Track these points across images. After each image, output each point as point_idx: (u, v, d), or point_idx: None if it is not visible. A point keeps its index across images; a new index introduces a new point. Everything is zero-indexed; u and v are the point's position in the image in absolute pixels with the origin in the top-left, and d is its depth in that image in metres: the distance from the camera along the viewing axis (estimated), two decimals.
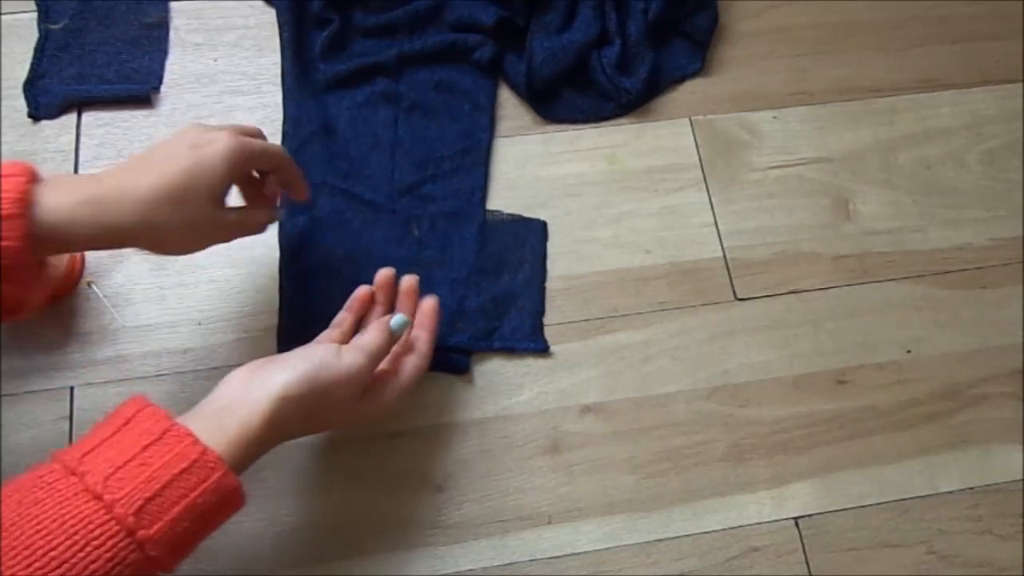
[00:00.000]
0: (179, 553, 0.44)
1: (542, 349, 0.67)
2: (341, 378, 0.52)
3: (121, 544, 0.41)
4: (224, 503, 0.46)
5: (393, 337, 0.57)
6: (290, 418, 0.50)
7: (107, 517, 0.41)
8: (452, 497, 0.63)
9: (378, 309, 0.61)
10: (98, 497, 0.42)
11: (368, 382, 0.55)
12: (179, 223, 0.52)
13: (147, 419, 0.46)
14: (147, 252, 0.56)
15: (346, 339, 0.58)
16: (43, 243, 0.48)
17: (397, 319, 0.57)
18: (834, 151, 0.75)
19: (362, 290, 0.61)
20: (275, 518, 0.61)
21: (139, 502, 0.42)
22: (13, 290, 0.49)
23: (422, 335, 0.60)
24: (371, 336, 0.55)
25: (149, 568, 0.43)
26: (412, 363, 0.58)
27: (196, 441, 0.45)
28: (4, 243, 0.46)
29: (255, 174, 0.60)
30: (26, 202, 0.47)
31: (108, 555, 0.41)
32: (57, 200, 0.48)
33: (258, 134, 0.58)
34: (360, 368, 0.53)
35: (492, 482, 0.63)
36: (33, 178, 0.48)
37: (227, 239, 0.57)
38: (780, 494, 0.64)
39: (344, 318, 0.60)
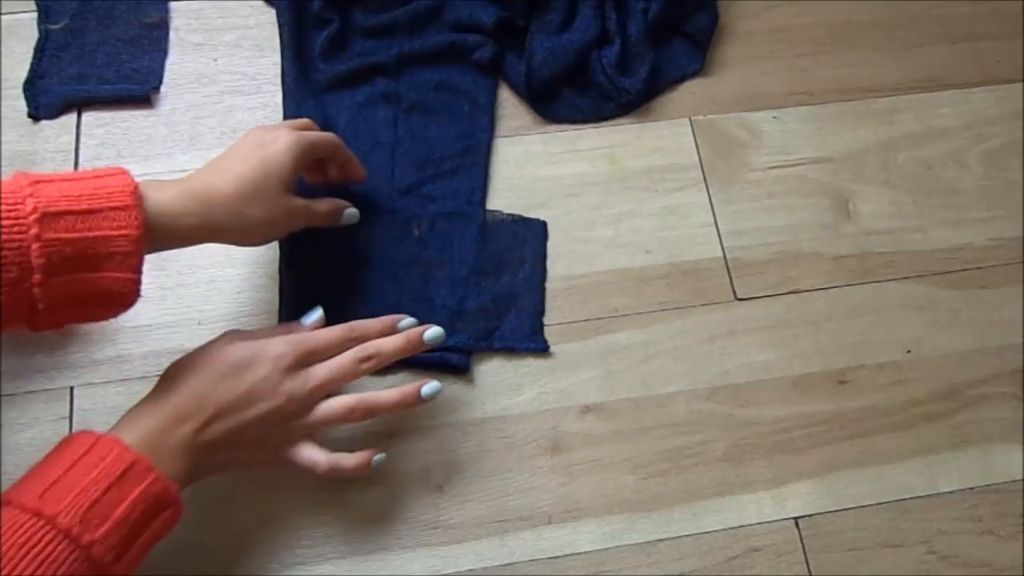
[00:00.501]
0: (128, 559, 0.46)
1: (542, 349, 0.67)
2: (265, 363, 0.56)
3: (73, 555, 0.43)
4: (158, 506, 0.49)
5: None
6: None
7: (51, 529, 0.43)
8: (452, 497, 0.63)
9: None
10: (37, 513, 0.43)
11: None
12: (262, 215, 0.58)
13: (75, 440, 0.48)
14: (236, 244, 0.60)
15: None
16: (152, 234, 0.51)
17: (431, 387, 0.61)
18: (834, 151, 0.75)
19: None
20: (275, 518, 0.61)
21: (79, 512, 0.44)
22: (128, 279, 0.51)
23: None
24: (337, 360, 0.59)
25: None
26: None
27: (127, 449, 0.48)
28: (125, 231, 0.49)
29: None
30: (138, 194, 0.51)
31: (64, 569, 0.43)
32: (160, 195, 0.52)
33: (310, 127, 0.65)
34: (286, 358, 0.56)
35: (492, 482, 0.63)
36: (143, 207, 0.52)
37: (301, 225, 0.63)
38: (780, 494, 0.64)
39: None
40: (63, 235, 0.47)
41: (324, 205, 0.65)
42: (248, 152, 0.59)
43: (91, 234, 0.48)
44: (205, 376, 0.54)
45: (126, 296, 0.51)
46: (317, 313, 0.62)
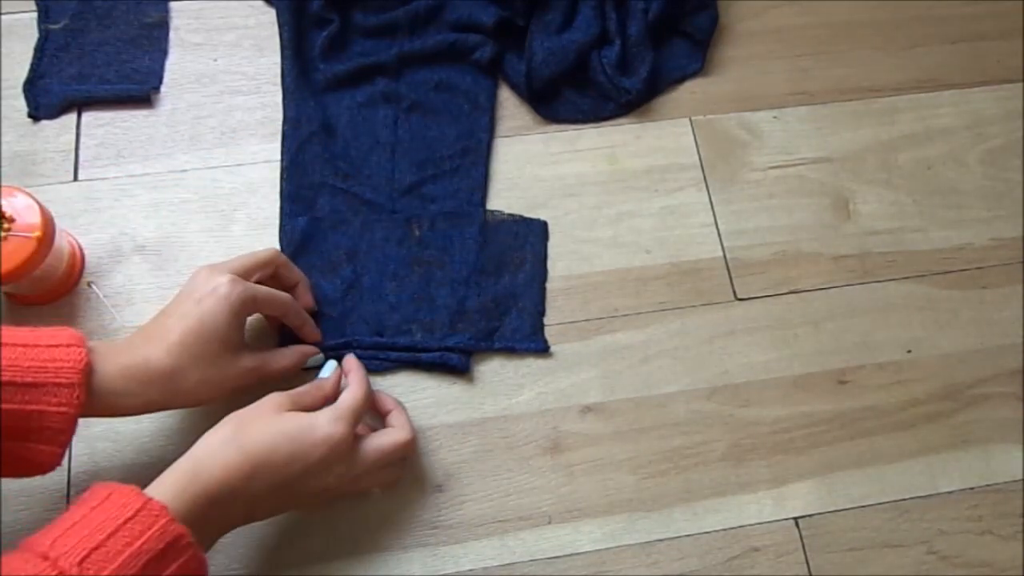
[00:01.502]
0: None
1: (543, 349, 0.67)
2: (318, 446, 0.53)
3: None
4: (169, 550, 0.46)
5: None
6: (209, 454, 0.51)
7: (53, 571, 0.42)
8: (452, 497, 0.63)
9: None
10: (44, 557, 0.43)
11: (284, 406, 0.55)
12: (200, 384, 0.55)
13: (98, 490, 0.47)
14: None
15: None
16: (88, 410, 0.51)
17: (328, 366, 0.61)
18: (834, 151, 0.75)
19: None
20: (275, 518, 0.61)
21: (83, 552, 0.43)
22: (53, 452, 0.51)
23: (392, 412, 0.61)
24: (348, 396, 0.57)
25: None
26: (392, 434, 0.59)
27: (140, 494, 0.47)
28: (63, 409, 0.50)
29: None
30: (87, 371, 0.51)
31: None
32: (105, 370, 0.52)
33: (268, 263, 0.61)
34: (341, 435, 0.54)
35: (492, 482, 0.63)
36: (89, 348, 0.52)
37: (251, 385, 0.59)
38: (780, 494, 0.64)
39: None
40: (1, 405, 0.47)
41: (283, 360, 0.61)
42: (186, 310, 0.56)
43: (28, 407, 0.49)
44: (272, 463, 0.52)
45: (45, 467, 0.52)
46: (333, 366, 0.62)
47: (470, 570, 0.61)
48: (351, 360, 0.62)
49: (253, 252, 0.61)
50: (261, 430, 0.52)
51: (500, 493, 0.63)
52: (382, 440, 0.57)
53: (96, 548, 0.44)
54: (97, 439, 0.62)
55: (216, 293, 0.56)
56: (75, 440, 0.61)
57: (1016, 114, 0.78)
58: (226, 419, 0.53)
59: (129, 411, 0.54)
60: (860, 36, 0.80)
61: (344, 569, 0.60)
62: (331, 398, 0.58)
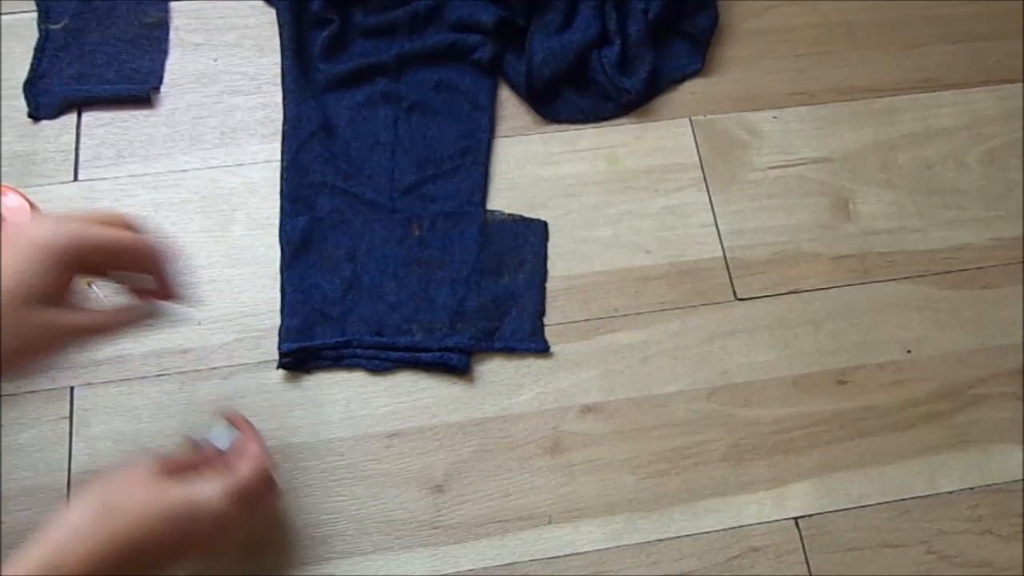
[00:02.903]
0: None
1: (543, 349, 0.67)
2: (118, 476, 0.47)
3: None
4: None
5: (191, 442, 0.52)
6: (125, 571, 0.44)
7: None
8: (452, 497, 0.63)
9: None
10: None
11: (158, 473, 0.48)
12: (17, 339, 0.44)
13: None
14: None
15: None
16: None
17: (216, 432, 0.53)
18: (834, 151, 0.75)
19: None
20: (275, 518, 0.61)
21: None
22: None
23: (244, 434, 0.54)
24: (251, 468, 0.50)
25: None
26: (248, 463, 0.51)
27: None
28: None
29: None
30: None
31: None
32: None
33: (116, 220, 0.48)
34: (238, 517, 0.48)
35: (492, 482, 0.63)
36: None
37: (66, 345, 0.47)
38: (780, 494, 0.64)
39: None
40: None
41: (117, 316, 0.49)
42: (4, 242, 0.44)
43: None
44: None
45: None
46: (229, 437, 0.54)
47: (470, 570, 0.61)
48: (242, 420, 0.55)
49: (106, 234, 0.47)
50: (135, 510, 0.45)
51: (500, 493, 0.63)
52: (243, 479, 0.49)
53: None
54: (97, 439, 0.62)
55: (27, 233, 0.45)
56: (75, 440, 0.62)
57: (1016, 114, 0.78)
58: (91, 492, 0.46)
59: None
60: (860, 36, 0.80)
61: (344, 569, 0.60)
62: (217, 467, 0.51)
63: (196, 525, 0.47)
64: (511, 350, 0.67)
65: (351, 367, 0.65)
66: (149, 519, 0.45)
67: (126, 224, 0.49)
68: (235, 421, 0.55)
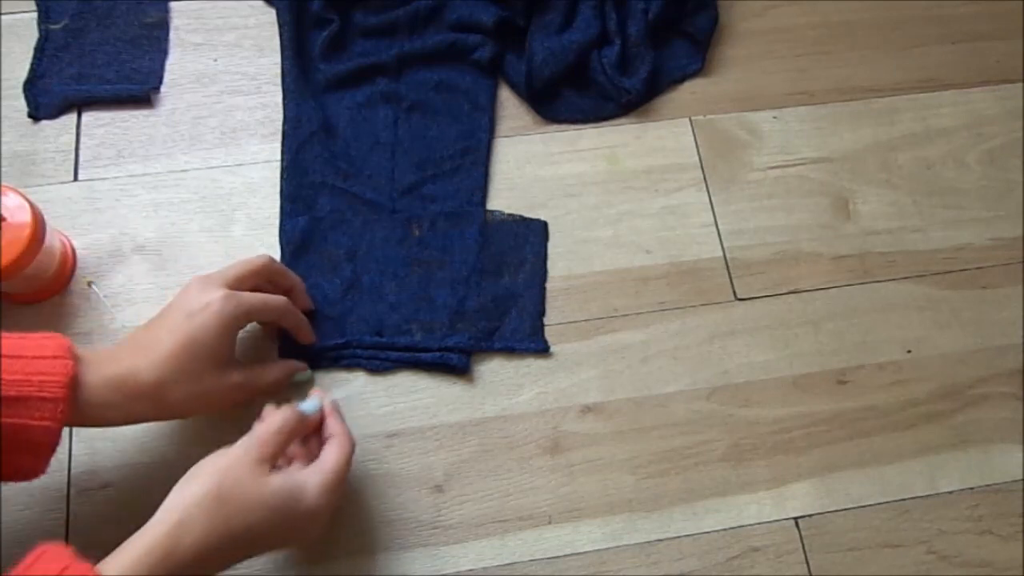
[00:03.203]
0: None
1: (543, 349, 0.67)
2: (234, 463, 0.50)
3: None
4: None
5: (299, 415, 0.54)
6: (188, 522, 0.47)
7: None
8: (452, 497, 0.63)
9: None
10: None
11: (270, 462, 0.51)
12: (187, 399, 0.54)
13: (49, 558, 0.44)
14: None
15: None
16: (72, 421, 0.51)
17: (309, 401, 0.56)
18: (834, 151, 0.75)
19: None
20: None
21: None
22: (34, 466, 0.50)
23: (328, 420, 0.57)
24: (268, 418, 0.53)
25: None
26: (328, 447, 0.55)
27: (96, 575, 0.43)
28: (46, 423, 0.48)
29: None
30: (72, 385, 0.49)
31: None
32: (90, 381, 0.51)
33: (262, 271, 0.60)
34: (251, 445, 0.51)
35: (492, 482, 0.63)
36: (76, 358, 0.51)
37: (241, 400, 0.58)
38: (780, 494, 0.64)
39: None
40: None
41: (271, 374, 0.60)
42: (177, 324, 0.54)
43: (11, 421, 0.47)
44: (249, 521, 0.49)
45: (29, 476, 0.50)
46: (316, 405, 0.57)
47: (470, 570, 0.61)
48: (332, 408, 0.58)
49: (246, 260, 0.60)
50: (246, 506, 0.48)
51: (500, 493, 0.63)
52: (335, 473, 0.53)
53: None
54: (97, 439, 0.62)
55: (209, 309, 0.55)
56: (75, 440, 0.62)
57: (1016, 114, 0.78)
58: (204, 476, 0.49)
59: (113, 422, 0.53)
60: (860, 36, 0.80)
61: (344, 569, 0.60)
62: (308, 433, 0.56)
63: (296, 515, 0.50)
64: (511, 350, 0.67)
65: (351, 367, 0.65)
66: (256, 509, 0.49)
67: (276, 271, 0.61)
68: (328, 409, 0.57)
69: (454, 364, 0.65)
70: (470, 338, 0.66)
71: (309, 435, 0.56)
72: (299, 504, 0.50)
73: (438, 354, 0.65)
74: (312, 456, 0.54)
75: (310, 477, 0.51)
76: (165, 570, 0.46)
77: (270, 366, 0.61)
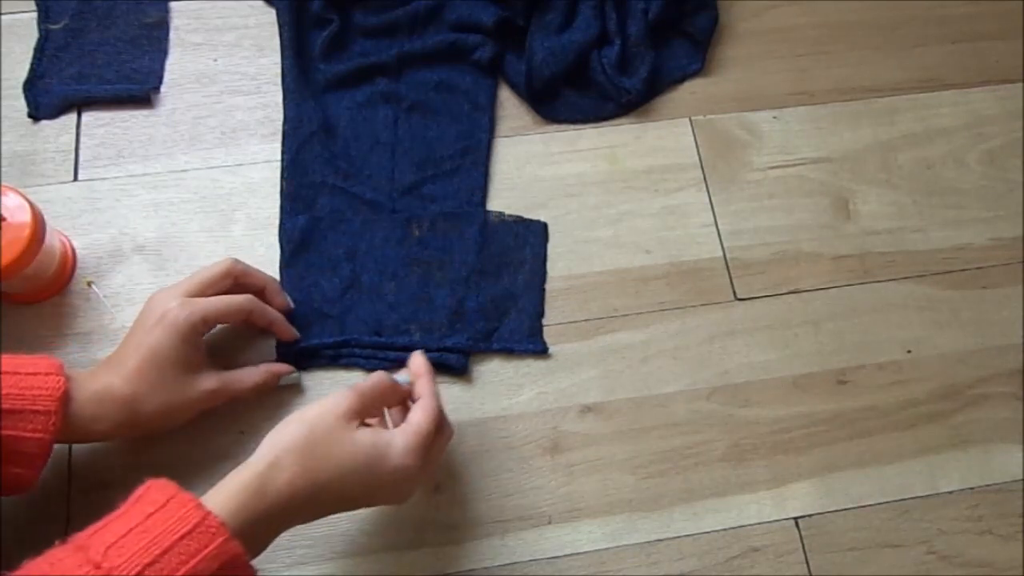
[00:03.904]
0: None
1: (541, 351, 0.67)
2: (324, 412, 0.51)
3: None
4: (225, 569, 0.45)
5: (386, 381, 0.55)
6: (279, 463, 0.49)
7: None
8: (452, 497, 0.63)
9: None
10: (97, 566, 0.42)
11: (358, 417, 0.53)
12: (161, 409, 0.56)
13: (155, 491, 0.46)
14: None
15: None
16: (62, 436, 0.53)
17: (400, 374, 0.58)
18: (834, 151, 0.75)
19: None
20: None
21: (137, 568, 0.43)
22: (27, 475, 0.53)
23: (419, 381, 0.58)
24: (365, 382, 0.54)
25: None
26: (416, 408, 0.55)
27: (199, 506, 0.45)
28: (39, 435, 0.51)
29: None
30: (64, 399, 0.52)
31: None
32: (78, 396, 0.54)
33: (224, 275, 0.60)
34: (342, 397, 0.52)
35: (492, 482, 0.63)
36: (66, 376, 0.53)
37: (222, 401, 0.60)
38: (780, 494, 0.64)
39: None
40: None
41: (249, 378, 0.61)
42: (139, 338, 0.57)
43: (6, 432, 0.50)
44: (340, 478, 0.50)
45: (21, 488, 0.53)
46: (406, 379, 0.58)
47: (470, 570, 0.61)
48: (420, 363, 0.58)
49: (207, 267, 0.61)
50: (334, 454, 0.50)
51: (500, 493, 0.63)
52: (419, 435, 0.53)
53: (151, 564, 0.43)
54: None
55: (164, 320, 0.56)
56: None
57: (1016, 114, 0.78)
58: (297, 423, 0.51)
59: (100, 436, 0.56)
60: (860, 36, 0.80)
61: (344, 569, 0.60)
62: (400, 403, 0.57)
63: (382, 471, 0.51)
64: (509, 351, 0.67)
65: (349, 366, 0.65)
66: (344, 459, 0.50)
67: (240, 272, 0.61)
68: (414, 365, 0.58)
69: (452, 364, 0.65)
70: (469, 339, 0.66)
71: (404, 409, 0.57)
72: (385, 460, 0.51)
73: (436, 354, 0.65)
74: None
75: (396, 436, 0.52)
76: (258, 506, 0.48)
77: (249, 370, 0.62)
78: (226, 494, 0.47)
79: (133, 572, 0.42)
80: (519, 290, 0.68)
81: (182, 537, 0.44)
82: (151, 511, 0.45)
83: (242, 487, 0.48)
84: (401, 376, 0.57)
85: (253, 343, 0.65)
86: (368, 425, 0.54)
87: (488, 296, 0.68)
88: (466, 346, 0.66)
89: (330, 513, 0.53)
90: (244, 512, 0.47)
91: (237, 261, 0.62)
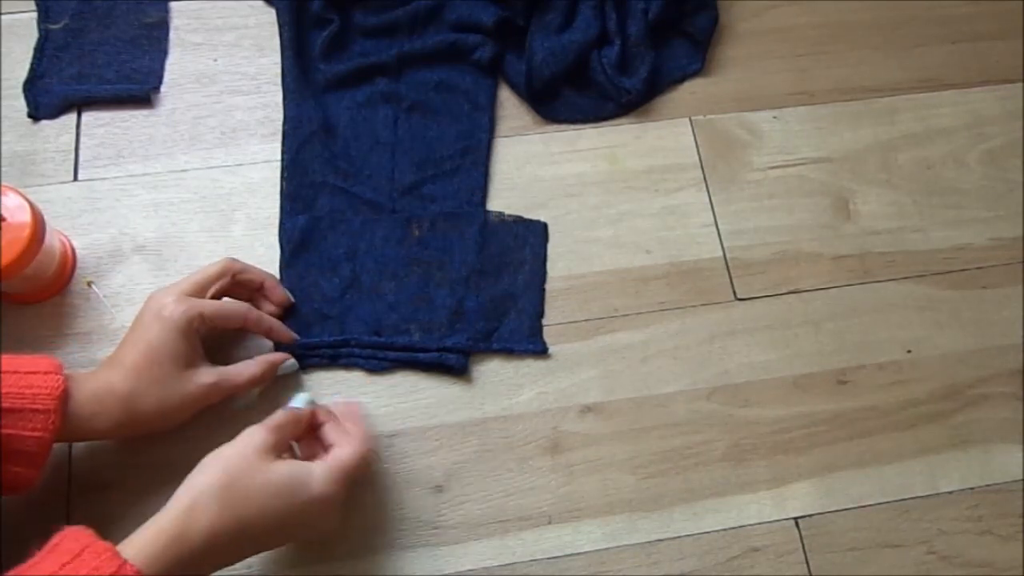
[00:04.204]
0: None
1: (541, 351, 0.67)
2: (242, 450, 0.52)
3: None
4: None
5: (292, 412, 0.56)
6: (201, 504, 0.49)
7: None
8: (452, 497, 0.63)
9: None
10: None
11: (277, 450, 0.53)
12: (159, 406, 0.56)
13: (70, 540, 0.46)
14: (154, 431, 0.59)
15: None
16: (62, 434, 0.53)
17: (300, 396, 0.59)
18: (834, 151, 0.75)
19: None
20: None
21: None
22: (29, 475, 0.53)
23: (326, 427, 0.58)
24: (347, 454, 0.55)
25: None
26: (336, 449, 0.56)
27: (115, 555, 0.45)
28: (38, 433, 0.51)
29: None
30: (64, 398, 0.52)
31: None
32: (77, 395, 0.54)
33: (222, 274, 0.61)
34: (257, 433, 0.53)
35: (492, 482, 0.63)
36: (66, 375, 0.53)
37: (221, 398, 0.60)
38: (780, 494, 0.64)
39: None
40: None
41: (247, 371, 0.60)
42: (137, 336, 0.57)
43: (6, 431, 0.50)
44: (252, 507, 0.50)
45: (21, 488, 0.53)
46: (305, 399, 0.59)
47: (470, 570, 0.61)
48: (354, 410, 0.60)
49: (204, 267, 0.61)
50: (255, 489, 0.50)
51: (500, 493, 0.63)
52: (341, 463, 0.54)
53: None
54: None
55: (160, 316, 0.57)
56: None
57: (1016, 114, 0.78)
58: (212, 465, 0.51)
59: (100, 434, 0.56)
60: (860, 36, 0.80)
61: (344, 569, 0.60)
62: (307, 431, 0.57)
63: (302, 503, 0.51)
64: (509, 351, 0.67)
65: (349, 366, 0.65)
66: (263, 495, 0.50)
67: (238, 270, 0.62)
68: (349, 411, 0.59)
69: (452, 364, 0.65)
70: (468, 339, 0.66)
71: (312, 439, 0.57)
72: (305, 489, 0.51)
73: (436, 354, 0.65)
74: (315, 456, 0.56)
75: (316, 466, 0.53)
76: (178, 552, 0.47)
77: (246, 363, 0.62)
78: (144, 541, 0.47)
79: None
80: (519, 290, 0.68)
81: None
82: (65, 560, 0.45)
83: (160, 533, 0.47)
84: (299, 401, 0.58)
85: (250, 340, 0.65)
86: (283, 459, 0.53)
87: (488, 296, 0.68)
88: (466, 346, 0.66)
89: (254, 552, 0.53)
90: (164, 559, 0.47)
91: (235, 260, 0.62)
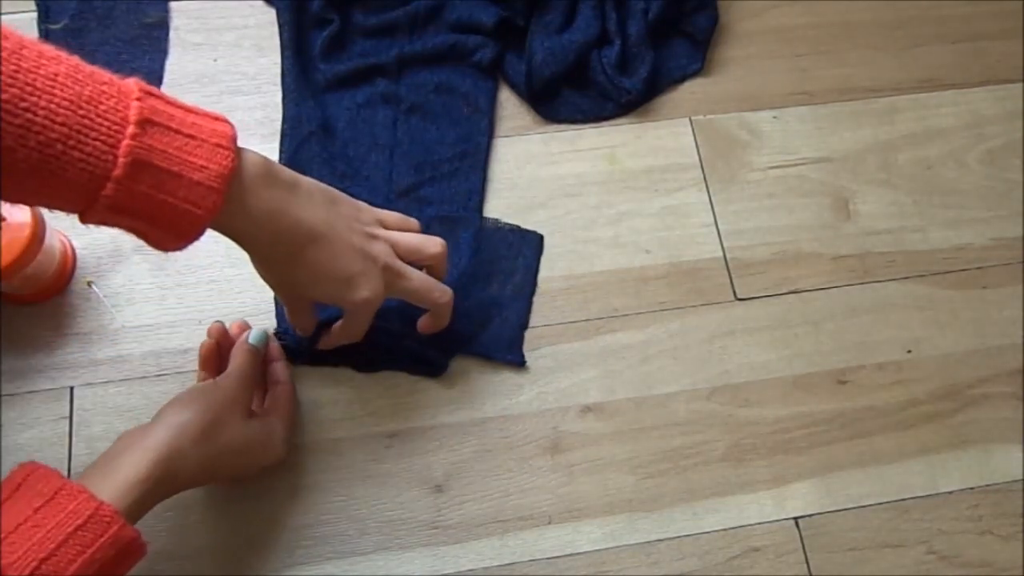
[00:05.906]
0: None
1: (519, 363, 0.66)
2: (223, 400, 0.55)
3: None
4: (123, 555, 0.46)
5: (256, 352, 0.60)
6: (182, 453, 0.51)
7: None
8: (452, 497, 0.63)
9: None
10: None
11: (249, 406, 0.58)
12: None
13: (38, 481, 0.46)
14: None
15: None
16: (219, 224, 0.48)
17: (254, 333, 0.61)
18: (834, 151, 0.75)
19: (205, 345, 0.61)
20: (275, 518, 0.61)
21: (33, 563, 0.42)
22: (200, 215, 0.47)
23: (275, 365, 0.63)
24: (235, 360, 0.59)
25: None
26: (280, 390, 0.61)
27: (91, 497, 0.45)
28: (216, 165, 0.46)
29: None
30: (236, 144, 0.48)
31: None
32: (248, 169, 0.49)
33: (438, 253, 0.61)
34: (235, 387, 0.56)
35: (492, 482, 0.63)
36: (238, 155, 0.48)
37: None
38: (780, 494, 0.64)
39: (201, 375, 0.61)
40: (157, 145, 0.44)
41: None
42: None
43: (186, 156, 0.45)
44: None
45: (188, 233, 0.47)
46: (262, 337, 0.61)
47: (470, 570, 0.61)
48: (277, 352, 0.63)
49: (427, 237, 0.61)
50: (230, 435, 0.55)
51: (500, 493, 0.63)
52: (291, 418, 0.61)
53: (47, 559, 0.43)
54: (96, 439, 0.62)
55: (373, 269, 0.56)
56: (75, 440, 0.62)
57: (1016, 114, 0.78)
58: (196, 406, 0.54)
59: (257, 217, 0.50)
60: (860, 36, 0.80)
61: (344, 569, 0.60)
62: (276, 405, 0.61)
63: (264, 454, 0.58)
64: (487, 358, 0.66)
65: (336, 364, 0.65)
66: (237, 445, 0.55)
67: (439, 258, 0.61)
68: (278, 372, 0.63)
69: (432, 362, 0.65)
70: (449, 340, 0.65)
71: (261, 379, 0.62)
72: (268, 446, 0.58)
73: (417, 352, 0.65)
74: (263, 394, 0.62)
75: (277, 425, 0.59)
76: (152, 498, 0.50)
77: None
78: (122, 482, 0.48)
79: (29, 568, 0.42)
80: (506, 299, 0.68)
81: (76, 529, 0.44)
82: (38, 504, 0.44)
83: (138, 482, 0.49)
84: (255, 338, 0.61)
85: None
86: (254, 415, 0.58)
87: (474, 301, 0.67)
88: (445, 346, 0.65)
89: (205, 463, 0.54)
90: (141, 501, 0.48)
91: (444, 245, 0.61)
